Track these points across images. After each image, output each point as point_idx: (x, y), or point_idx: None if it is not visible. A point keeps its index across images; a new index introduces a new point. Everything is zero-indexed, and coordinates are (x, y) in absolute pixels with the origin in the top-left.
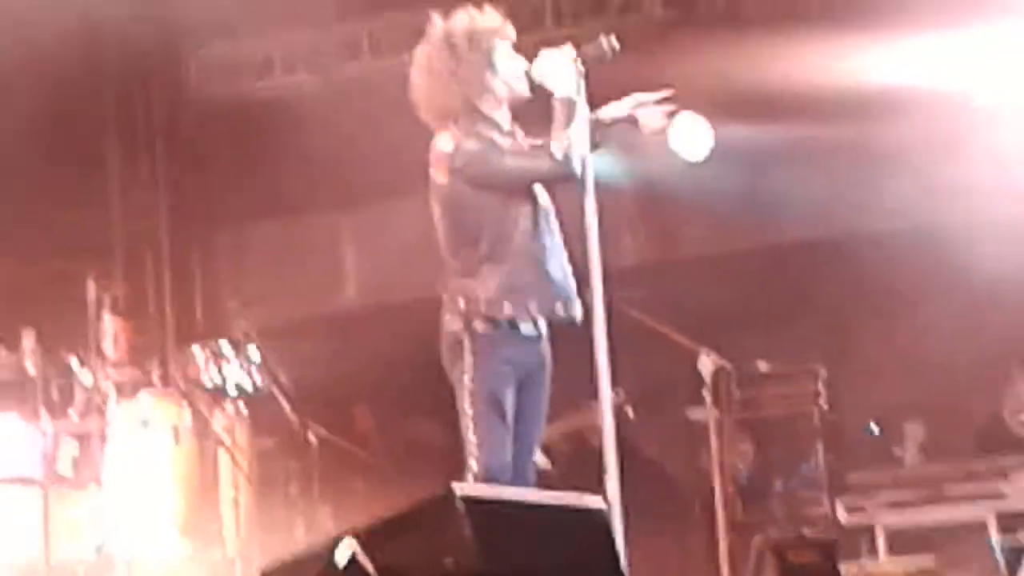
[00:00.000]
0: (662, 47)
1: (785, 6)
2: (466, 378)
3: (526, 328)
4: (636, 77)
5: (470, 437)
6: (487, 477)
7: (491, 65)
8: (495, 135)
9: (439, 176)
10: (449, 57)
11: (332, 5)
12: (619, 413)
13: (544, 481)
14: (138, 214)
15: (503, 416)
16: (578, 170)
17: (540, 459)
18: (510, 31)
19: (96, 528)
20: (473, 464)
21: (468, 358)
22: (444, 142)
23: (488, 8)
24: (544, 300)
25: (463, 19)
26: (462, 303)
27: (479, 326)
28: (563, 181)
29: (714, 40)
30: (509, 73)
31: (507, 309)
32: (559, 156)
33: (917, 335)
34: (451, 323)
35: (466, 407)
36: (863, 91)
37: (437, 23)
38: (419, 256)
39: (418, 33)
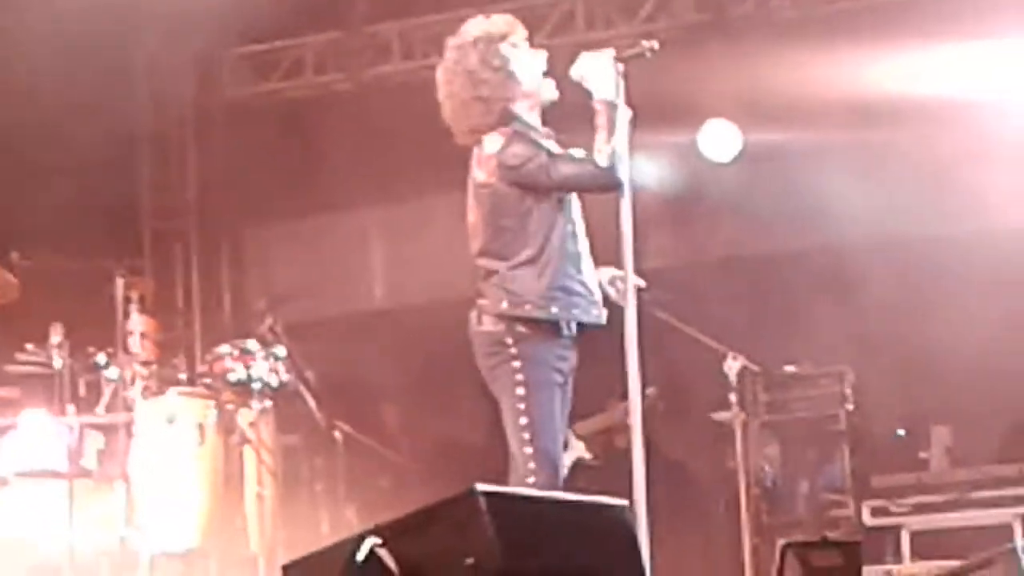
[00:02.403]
0: (693, 51)
1: (816, 11)
2: (519, 390)
3: (567, 330)
4: (667, 81)
5: (526, 451)
6: (549, 484)
7: (511, 74)
8: (541, 139)
9: (484, 176)
10: (467, 81)
11: (362, 7)
12: (652, 410)
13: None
14: (167, 212)
15: (557, 426)
16: (623, 178)
17: (584, 453)
18: (521, 31)
19: (120, 522)
20: (530, 479)
21: (516, 364)
22: (491, 143)
23: (495, 15)
24: (585, 303)
25: (471, 35)
26: (505, 304)
27: (523, 329)
28: (608, 190)
29: (745, 45)
30: (530, 76)
31: (554, 309)
32: (605, 164)
33: (945, 339)
34: (489, 324)
35: (520, 420)
36: (892, 97)
37: (451, 42)
38: (448, 256)
39: (447, 35)
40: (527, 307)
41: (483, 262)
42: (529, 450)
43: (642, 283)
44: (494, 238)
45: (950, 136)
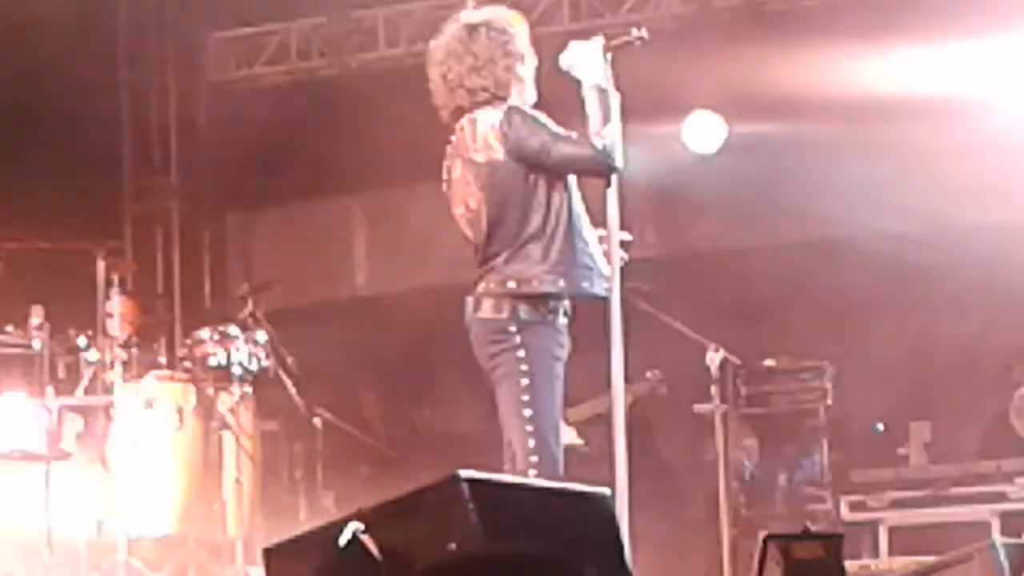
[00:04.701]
0: (678, 43)
1: (802, 4)
2: (523, 380)
3: (567, 313)
4: (652, 72)
5: (529, 443)
6: (549, 476)
7: (510, 54)
8: (541, 116)
9: (483, 155)
10: (496, 41)
11: None
12: (653, 394)
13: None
14: (149, 195)
15: (558, 417)
16: (620, 163)
17: (576, 439)
18: (525, 28)
19: (98, 505)
20: (533, 471)
21: (520, 354)
22: (489, 117)
23: (501, 7)
24: (594, 276)
25: (484, 14)
26: (512, 284)
27: (527, 312)
28: (605, 175)
29: (730, 37)
30: (528, 75)
31: (561, 283)
32: (600, 147)
33: (925, 335)
34: (492, 310)
35: (524, 412)
36: (877, 93)
37: (468, 15)
38: (428, 244)
39: (433, 23)
40: (534, 283)
41: (486, 245)
42: (532, 442)
43: (628, 236)
44: (497, 218)
45: (936, 131)
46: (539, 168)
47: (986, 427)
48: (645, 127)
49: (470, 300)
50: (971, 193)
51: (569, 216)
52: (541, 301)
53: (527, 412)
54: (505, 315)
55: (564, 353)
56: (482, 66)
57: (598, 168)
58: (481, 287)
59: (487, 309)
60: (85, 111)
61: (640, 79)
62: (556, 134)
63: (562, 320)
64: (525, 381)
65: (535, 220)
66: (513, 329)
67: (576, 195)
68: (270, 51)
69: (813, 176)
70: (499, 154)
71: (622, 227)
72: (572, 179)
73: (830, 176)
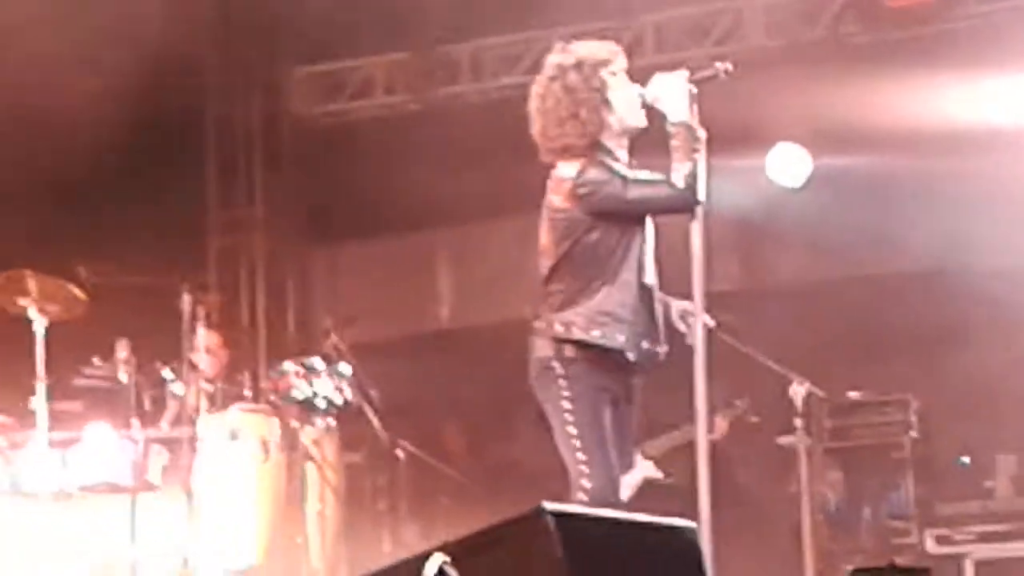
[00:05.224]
0: (763, 75)
1: (887, 37)
2: (565, 403)
3: (615, 355)
4: (736, 104)
5: (579, 456)
6: (599, 498)
7: (606, 102)
8: (616, 165)
9: (559, 201)
10: (565, 99)
11: (433, 28)
12: (740, 422)
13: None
14: (234, 228)
15: (606, 438)
16: (700, 198)
17: (655, 472)
18: (622, 60)
19: (182, 537)
20: (585, 483)
21: (562, 382)
22: (567, 168)
23: (598, 42)
24: (633, 334)
25: (575, 56)
26: (559, 328)
27: (569, 351)
28: (685, 211)
29: (815, 70)
30: (624, 106)
31: (595, 333)
32: (681, 185)
33: (1011, 368)
34: (542, 348)
35: (570, 430)
36: (964, 127)
37: (551, 60)
38: (513, 278)
39: (516, 57)
40: (574, 330)
41: (546, 285)
42: (582, 456)
43: (712, 322)
44: (560, 263)
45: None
46: (616, 217)
47: None
48: (730, 160)
49: (531, 339)
50: None
51: (626, 272)
52: (580, 344)
53: (572, 430)
54: (551, 352)
55: (617, 385)
56: (559, 119)
57: (676, 205)
58: (536, 325)
59: (539, 347)
60: (170, 145)
61: (725, 112)
62: (628, 178)
63: (615, 357)
64: (567, 404)
65: (590, 272)
66: (556, 364)
67: (646, 254)
68: (355, 86)
69: (898, 208)
70: (570, 205)
71: (706, 261)
72: (649, 238)
73: (916, 209)
